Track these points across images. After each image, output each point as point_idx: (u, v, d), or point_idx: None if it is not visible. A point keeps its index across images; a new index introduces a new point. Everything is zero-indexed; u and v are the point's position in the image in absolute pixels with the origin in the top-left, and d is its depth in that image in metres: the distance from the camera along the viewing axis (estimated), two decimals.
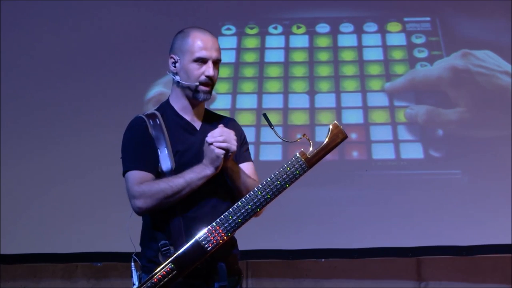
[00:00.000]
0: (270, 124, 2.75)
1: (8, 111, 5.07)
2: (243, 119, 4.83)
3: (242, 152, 2.89)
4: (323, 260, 4.95)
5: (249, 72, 5.14)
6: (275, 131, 2.74)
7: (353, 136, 4.98)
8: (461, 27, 5.12)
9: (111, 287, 5.08)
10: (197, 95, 2.79)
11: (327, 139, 2.68)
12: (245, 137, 2.94)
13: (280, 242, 4.86)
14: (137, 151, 2.76)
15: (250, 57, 5.18)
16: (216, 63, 2.80)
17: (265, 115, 2.76)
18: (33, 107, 5.08)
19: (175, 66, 2.82)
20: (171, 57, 2.84)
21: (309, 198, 4.83)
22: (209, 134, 2.70)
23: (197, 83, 2.77)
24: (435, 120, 5.01)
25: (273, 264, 5.02)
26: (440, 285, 5.02)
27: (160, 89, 5.05)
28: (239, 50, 5.17)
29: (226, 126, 2.84)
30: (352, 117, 5.02)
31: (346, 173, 4.91)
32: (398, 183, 4.94)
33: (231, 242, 2.81)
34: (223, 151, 2.67)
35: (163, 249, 2.69)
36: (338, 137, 2.69)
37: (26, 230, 4.96)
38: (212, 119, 2.87)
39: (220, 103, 4.96)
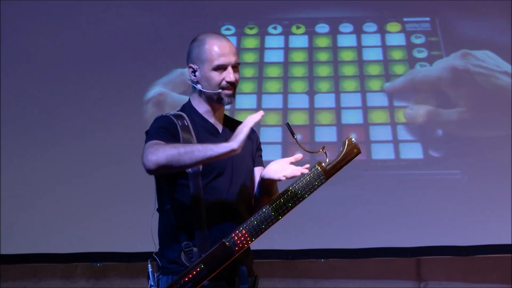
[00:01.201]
0: (292, 134, 2.76)
1: (8, 111, 5.07)
2: (243, 120, 4.82)
3: (257, 157, 2.92)
4: (322, 260, 4.95)
5: (248, 72, 5.14)
6: (297, 141, 2.76)
7: (352, 136, 4.97)
8: (461, 27, 5.12)
9: (111, 287, 5.09)
10: (221, 100, 2.80)
11: (343, 153, 2.74)
12: (259, 143, 2.96)
13: (280, 242, 4.85)
14: (160, 133, 2.72)
15: (249, 57, 5.18)
16: (235, 67, 2.81)
17: (288, 125, 2.77)
18: (33, 107, 5.09)
19: (195, 75, 2.82)
20: (190, 67, 2.82)
21: (308, 198, 4.80)
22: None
23: (220, 90, 2.79)
24: (434, 120, 5.01)
25: (273, 264, 5.02)
26: (439, 285, 5.02)
27: (160, 89, 5.06)
28: (239, 50, 5.17)
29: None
30: (352, 117, 5.02)
31: (345, 173, 4.85)
32: (397, 183, 4.94)
33: (249, 246, 2.83)
34: (248, 128, 2.60)
35: (186, 249, 2.69)
36: (353, 152, 2.75)
37: (26, 230, 4.97)
38: (231, 123, 2.89)
39: None
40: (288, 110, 5.04)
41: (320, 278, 5.07)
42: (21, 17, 5.16)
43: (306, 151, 2.80)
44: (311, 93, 5.07)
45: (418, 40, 5.16)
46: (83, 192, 4.96)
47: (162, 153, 2.61)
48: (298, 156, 2.71)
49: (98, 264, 5.01)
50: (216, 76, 2.78)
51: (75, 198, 4.94)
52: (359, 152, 2.76)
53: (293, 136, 2.76)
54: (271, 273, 5.04)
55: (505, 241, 4.80)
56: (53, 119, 5.06)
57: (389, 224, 4.87)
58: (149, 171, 2.64)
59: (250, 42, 5.22)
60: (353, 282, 5.05)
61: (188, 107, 2.85)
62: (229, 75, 2.78)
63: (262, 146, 2.99)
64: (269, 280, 5.04)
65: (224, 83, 2.78)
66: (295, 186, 2.70)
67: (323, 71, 5.14)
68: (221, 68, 2.78)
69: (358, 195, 4.91)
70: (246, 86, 5.09)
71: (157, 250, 2.81)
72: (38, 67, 5.12)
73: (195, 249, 2.69)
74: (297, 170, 2.67)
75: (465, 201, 4.89)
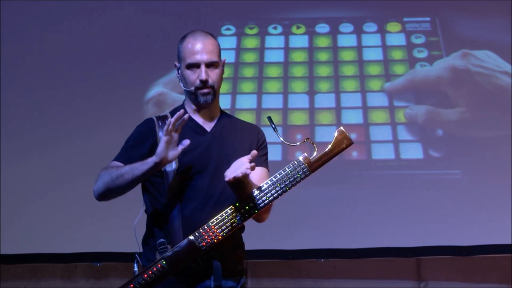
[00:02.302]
0: (274, 127, 2.75)
1: (8, 111, 5.07)
2: (244, 118, 4.82)
3: (258, 156, 2.85)
4: (322, 260, 4.95)
5: (248, 72, 5.14)
6: (278, 134, 2.74)
7: (352, 136, 4.95)
8: (461, 27, 5.13)
9: (111, 287, 5.08)
10: (197, 99, 2.81)
11: (331, 145, 2.69)
12: (262, 143, 2.92)
13: (280, 242, 4.86)
14: (129, 146, 2.82)
15: (249, 57, 5.18)
16: (211, 65, 2.80)
17: (269, 118, 2.77)
18: (34, 107, 5.09)
19: (178, 73, 2.85)
20: (175, 65, 2.86)
21: (308, 198, 4.83)
22: None
23: (193, 88, 2.79)
24: (434, 120, 5.01)
25: (272, 264, 5.02)
26: (440, 285, 5.02)
27: (160, 89, 5.06)
28: (239, 50, 5.18)
29: (242, 131, 2.89)
30: (352, 117, 5.02)
31: (345, 173, 4.91)
32: (398, 183, 4.94)
33: (236, 243, 2.82)
34: (165, 140, 2.63)
35: (160, 247, 2.71)
36: (343, 143, 2.69)
37: (26, 230, 4.96)
38: (227, 123, 2.88)
39: (219, 103, 4.95)
40: (288, 110, 5.03)
41: (320, 278, 5.07)
42: (21, 17, 5.16)
43: (287, 143, 2.79)
44: (311, 93, 5.07)
45: (418, 40, 5.17)
46: (83, 192, 4.91)
47: (101, 181, 2.75)
48: (254, 152, 2.68)
49: (98, 264, 5.01)
50: (191, 75, 2.79)
51: (75, 198, 4.94)
52: (350, 143, 2.70)
53: (274, 130, 2.75)
54: (271, 273, 5.04)
55: (505, 241, 4.80)
56: (53, 119, 5.06)
57: (389, 224, 4.87)
58: (97, 200, 2.81)
59: (250, 42, 5.22)
60: (353, 282, 5.04)
61: (180, 107, 2.88)
62: (201, 74, 2.77)
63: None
64: (269, 280, 5.03)
65: (197, 82, 2.78)
66: (273, 180, 2.66)
67: (323, 71, 5.14)
68: (194, 66, 2.79)
69: (358, 195, 4.91)
70: (246, 86, 5.10)
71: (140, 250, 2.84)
72: (38, 67, 5.12)
73: (169, 247, 2.69)
74: (245, 169, 2.62)
75: (465, 201, 4.89)
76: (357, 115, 5.02)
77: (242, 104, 5.04)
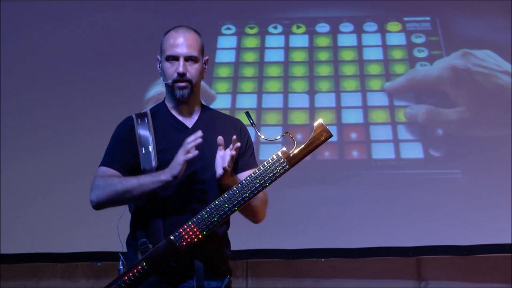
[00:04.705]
0: (252, 123, 2.74)
1: (8, 111, 5.07)
2: (243, 119, 4.82)
3: (246, 158, 2.87)
4: (323, 259, 4.95)
5: (249, 71, 5.14)
6: (256, 130, 2.73)
7: (353, 135, 4.99)
8: (461, 26, 5.13)
9: None
10: (174, 92, 2.81)
11: (309, 138, 2.66)
12: (248, 140, 2.91)
13: (280, 242, 4.85)
14: (113, 149, 2.82)
15: (250, 56, 5.18)
16: (190, 59, 2.79)
17: (247, 113, 2.75)
18: (33, 107, 5.08)
19: (159, 67, 2.85)
20: (157, 58, 2.87)
21: (309, 198, 4.83)
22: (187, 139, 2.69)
23: (170, 81, 2.79)
24: (435, 119, 5.01)
25: (273, 264, 5.02)
26: (440, 285, 5.02)
27: (160, 89, 5.05)
28: (239, 49, 5.17)
29: (224, 126, 2.86)
30: (352, 117, 5.02)
31: (346, 172, 4.90)
32: (398, 183, 4.94)
33: (220, 242, 2.81)
34: (183, 159, 2.64)
35: (142, 247, 2.71)
36: (322, 136, 2.65)
37: (26, 230, 4.96)
38: (209, 118, 2.86)
39: (220, 103, 4.97)
40: (289, 109, 5.03)
41: (320, 278, 5.07)
42: (21, 16, 5.16)
43: (266, 139, 2.75)
44: (312, 92, 5.07)
45: (419, 39, 5.16)
46: (83, 192, 4.91)
47: (102, 192, 2.73)
48: (237, 144, 2.68)
49: (99, 264, 5.01)
50: (169, 68, 2.79)
51: (75, 198, 4.93)
52: (329, 136, 2.67)
53: (253, 125, 2.73)
54: (271, 273, 5.04)
55: (505, 240, 4.80)
56: (53, 119, 5.06)
57: (390, 224, 4.87)
58: (94, 208, 2.78)
59: (251, 42, 5.22)
60: (353, 281, 5.04)
61: (161, 104, 2.88)
62: (179, 67, 2.77)
63: (262, 146, 2.96)
64: (269, 279, 5.03)
65: (175, 75, 2.78)
66: (252, 175, 2.62)
67: (324, 70, 5.14)
68: (173, 59, 2.78)
69: (358, 194, 4.91)
70: (246, 86, 5.09)
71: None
72: (38, 67, 5.12)
73: (151, 247, 2.69)
74: (220, 170, 2.67)
75: (465, 200, 4.89)
76: (357, 115, 5.02)
77: (242, 104, 5.04)
